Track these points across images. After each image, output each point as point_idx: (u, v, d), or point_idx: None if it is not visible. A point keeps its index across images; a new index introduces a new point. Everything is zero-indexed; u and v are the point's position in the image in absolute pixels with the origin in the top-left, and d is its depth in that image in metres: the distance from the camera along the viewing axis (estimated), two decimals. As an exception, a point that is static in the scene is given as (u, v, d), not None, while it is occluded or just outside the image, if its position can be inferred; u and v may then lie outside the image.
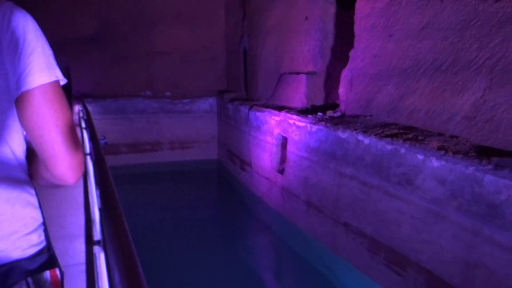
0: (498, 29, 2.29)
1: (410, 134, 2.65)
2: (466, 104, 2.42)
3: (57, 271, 0.64)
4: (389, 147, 2.71)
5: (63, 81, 0.62)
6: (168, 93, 7.14)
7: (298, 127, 4.01)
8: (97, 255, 0.90)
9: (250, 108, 5.27)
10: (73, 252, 0.63)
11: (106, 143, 5.96)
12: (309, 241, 3.81)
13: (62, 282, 0.64)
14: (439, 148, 2.30)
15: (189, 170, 7.09)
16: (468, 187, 2.11)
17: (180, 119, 7.14)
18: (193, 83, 7.20)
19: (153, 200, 5.38)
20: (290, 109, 4.34)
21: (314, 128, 3.70)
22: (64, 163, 0.60)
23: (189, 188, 6.48)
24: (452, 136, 2.43)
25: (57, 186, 0.61)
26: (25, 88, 0.58)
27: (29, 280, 0.61)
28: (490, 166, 2.00)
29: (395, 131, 2.78)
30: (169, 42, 7.03)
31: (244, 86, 6.49)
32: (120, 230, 0.62)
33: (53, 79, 0.60)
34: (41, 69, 0.59)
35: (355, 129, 3.11)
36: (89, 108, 5.79)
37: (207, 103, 7.27)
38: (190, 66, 7.15)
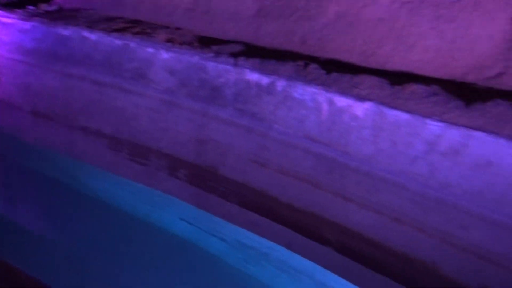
0: None
1: (138, 27, 2.66)
2: (186, -3, 2.57)
3: None
4: (118, 42, 2.65)
5: None
6: None
7: (5, 24, 3.34)
8: None
9: None
10: None
11: None
12: (42, 153, 3.50)
13: None
14: (167, 40, 2.43)
15: None
16: (195, 74, 2.36)
17: None
18: None
19: None
20: (-12, 2, 3.52)
21: (28, 25, 3.17)
22: None
23: None
24: (177, 28, 2.59)
25: None
26: None
27: None
28: (211, 54, 2.28)
29: (122, 25, 2.72)
30: None
31: None
32: None
33: None
34: None
35: (78, 25, 2.86)
36: None
37: None
38: None
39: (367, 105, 1.76)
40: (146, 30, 2.60)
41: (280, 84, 2.03)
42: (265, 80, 2.08)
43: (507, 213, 1.51)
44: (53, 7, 3.39)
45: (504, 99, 1.54)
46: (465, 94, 1.61)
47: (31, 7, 3.38)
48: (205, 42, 2.37)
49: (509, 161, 1.47)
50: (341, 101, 1.83)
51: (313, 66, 1.97)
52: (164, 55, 2.46)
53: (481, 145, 1.51)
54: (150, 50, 2.51)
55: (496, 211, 1.53)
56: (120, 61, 2.69)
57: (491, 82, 1.64)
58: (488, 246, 1.57)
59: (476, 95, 1.59)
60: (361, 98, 1.78)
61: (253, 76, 2.12)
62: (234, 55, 2.20)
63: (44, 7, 3.39)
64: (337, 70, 1.90)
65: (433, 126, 1.60)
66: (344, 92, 1.83)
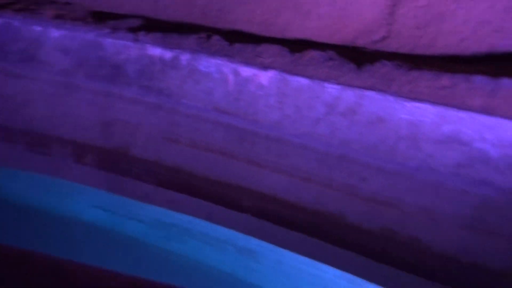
0: None
1: (20, 3, 2.41)
2: (72, -32, 2.37)
3: None
4: (-2, 21, 2.38)
5: None
6: None
7: None
8: None
9: None
10: None
11: None
12: None
13: None
14: (56, 17, 2.24)
15: None
16: (92, 53, 2.22)
17: None
18: None
19: None
20: None
21: None
22: None
23: None
24: (66, 3, 2.39)
25: None
26: None
27: None
28: (107, 30, 2.16)
29: (2, 1, 2.45)
30: None
31: None
32: None
33: None
34: None
35: None
36: None
37: None
38: None
39: (271, 73, 1.82)
40: (29, 6, 2.37)
41: (184, 57, 2.00)
42: (168, 54, 2.03)
43: (398, 161, 1.70)
44: None
45: (389, 60, 1.70)
46: (356, 58, 1.75)
47: None
48: (100, 18, 2.23)
49: (397, 116, 1.65)
50: (246, 71, 1.87)
51: (215, 38, 1.97)
52: (55, 33, 2.27)
53: (373, 103, 1.66)
54: (37, 28, 2.30)
55: (390, 161, 1.72)
56: (3, 43, 2.43)
57: (378, 45, 1.79)
58: (385, 192, 1.76)
59: (365, 58, 1.73)
60: (264, 67, 1.84)
61: (156, 51, 2.06)
62: (133, 30, 2.11)
63: None
64: (239, 41, 1.93)
65: (331, 89, 1.72)
66: (248, 62, 1.87)
